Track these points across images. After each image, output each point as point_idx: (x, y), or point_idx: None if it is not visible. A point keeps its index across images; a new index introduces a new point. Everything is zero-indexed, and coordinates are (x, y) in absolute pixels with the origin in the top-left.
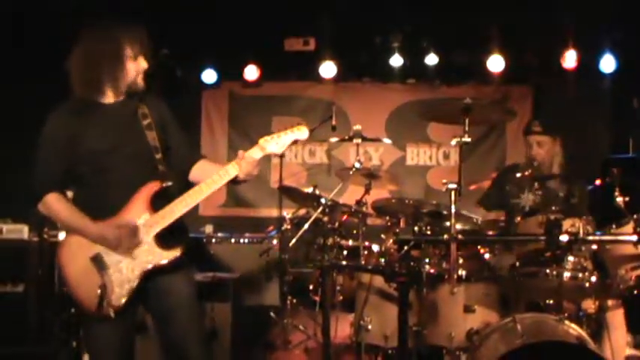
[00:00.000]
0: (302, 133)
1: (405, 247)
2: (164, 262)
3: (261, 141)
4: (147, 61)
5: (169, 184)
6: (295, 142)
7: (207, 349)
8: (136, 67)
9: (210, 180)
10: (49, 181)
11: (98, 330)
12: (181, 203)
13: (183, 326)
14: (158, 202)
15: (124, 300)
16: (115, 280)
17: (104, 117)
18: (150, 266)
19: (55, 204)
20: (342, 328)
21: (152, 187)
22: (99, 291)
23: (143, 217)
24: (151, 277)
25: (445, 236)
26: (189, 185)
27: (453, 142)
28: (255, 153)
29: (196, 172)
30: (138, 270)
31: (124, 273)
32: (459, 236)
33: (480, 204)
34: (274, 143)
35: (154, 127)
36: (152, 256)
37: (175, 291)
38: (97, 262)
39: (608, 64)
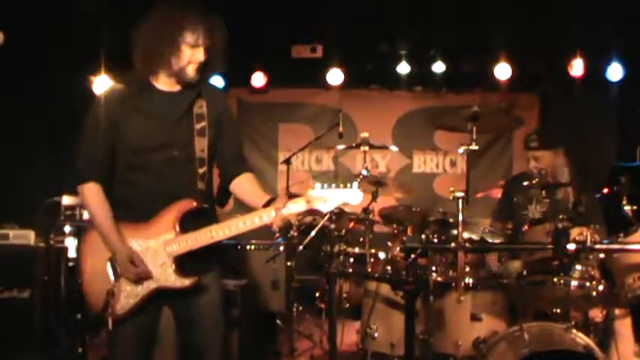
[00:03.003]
0: (355, 196)
1: (412, 255)
2: (174, 286)
3: (310, 193)
4: (211, 56)
5: (205, 206)
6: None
7: None
8: (190, 55)
9: (242, 220)
10: (91, 169)
11: (119, 328)
12: (208, 234)
13: (206, 334)
14: (190, 221)
15: (125, 311)
16: (123, 290)
17: (156, 106)
18: (156, 286)
19: (90, 196)
20: (348, 336)
21: (186, 206)
22: (106, 296)
23: (168, 236)
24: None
25: (452, 244)
26: (227, 193)
27: (461, 150)
28: (298, 207)
29: (237, 185)
30: (147, 287)
31: (134, 286)
32: (467, 244)
33: (494, 219)
34: (322, 202)
35: (206, 133)
36: (164, 277)
37: (202, 298)
38: (114, 265)
39: (615, 72)
